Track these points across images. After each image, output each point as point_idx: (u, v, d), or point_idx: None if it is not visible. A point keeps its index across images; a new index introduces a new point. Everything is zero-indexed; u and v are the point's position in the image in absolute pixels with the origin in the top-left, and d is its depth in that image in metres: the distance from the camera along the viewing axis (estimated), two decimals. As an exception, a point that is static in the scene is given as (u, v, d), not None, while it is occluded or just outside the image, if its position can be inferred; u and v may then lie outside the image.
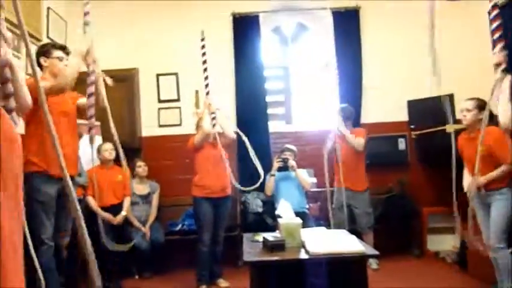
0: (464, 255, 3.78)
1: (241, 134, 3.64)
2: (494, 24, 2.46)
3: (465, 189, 3.07)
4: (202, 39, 3.28)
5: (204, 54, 3.30)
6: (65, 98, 2.64)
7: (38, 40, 3.91)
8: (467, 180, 3.08)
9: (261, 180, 3.45)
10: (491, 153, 2.85)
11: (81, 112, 2.70)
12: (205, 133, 3.58)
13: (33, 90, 2.32)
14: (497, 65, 2.48)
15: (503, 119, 2.59)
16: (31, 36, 3.75)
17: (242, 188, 3.62)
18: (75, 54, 2.46)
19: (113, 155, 3.98)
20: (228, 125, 3.81)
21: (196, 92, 4.68)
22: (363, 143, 4.00)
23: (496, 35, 2.57)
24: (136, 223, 4.14)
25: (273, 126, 4.89)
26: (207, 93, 3.43)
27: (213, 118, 3.49)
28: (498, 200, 2.91)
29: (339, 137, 4.09)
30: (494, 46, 2.55)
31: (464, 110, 3.05)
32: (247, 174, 4.59)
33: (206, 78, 3.33)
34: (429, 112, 4.39)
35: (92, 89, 2.40)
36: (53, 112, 2.40)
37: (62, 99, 2.60)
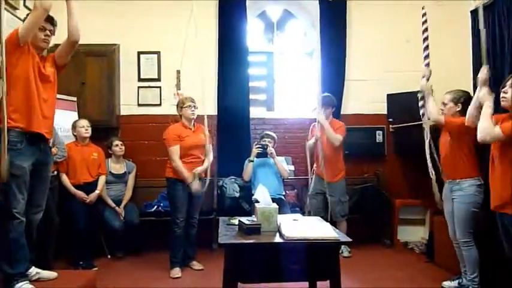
0: (432, 246, 3.91)
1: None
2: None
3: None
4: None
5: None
6: (44, 63, 2.56)
7: (15, 8, 3.76)
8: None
9: None
10: (455, 133, 2.93)
11: (62, 56, 2.61)
12: None
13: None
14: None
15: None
16: (7, 3, 3.61)
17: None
18: None
19: (89, 132, 3.90)
20: None
21: (178, 72, 4.62)
22: (341, 139, 3.98)
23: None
24: (110, 202, 4.08)
25: (254, 112, 4.87)
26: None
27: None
28: (460, 196, 2.95)
29: (321, 128, 4.12)
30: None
31: (441, 103, 3.11)
32: (226, 160, 4.60)
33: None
34: (407, 106, 4.46)
35: None
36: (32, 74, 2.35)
37: (42, 63, 2.52)
